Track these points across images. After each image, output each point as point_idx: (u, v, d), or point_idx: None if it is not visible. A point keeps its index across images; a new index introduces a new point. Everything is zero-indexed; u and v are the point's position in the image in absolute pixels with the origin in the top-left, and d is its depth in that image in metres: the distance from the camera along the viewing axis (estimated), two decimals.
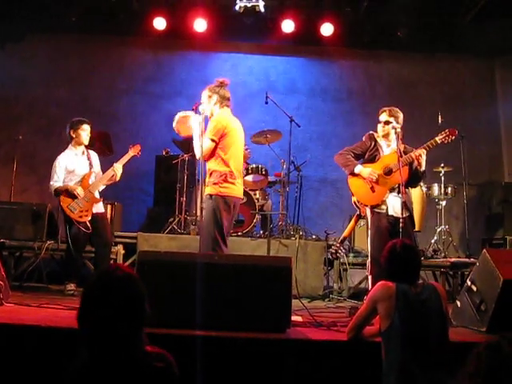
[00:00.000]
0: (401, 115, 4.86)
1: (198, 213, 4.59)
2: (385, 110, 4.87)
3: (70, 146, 5.67)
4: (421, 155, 4.63)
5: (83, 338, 1.81)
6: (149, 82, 9.03)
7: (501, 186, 8.00)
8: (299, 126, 7.31)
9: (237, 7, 7.87)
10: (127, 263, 6.28)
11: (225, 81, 4.77)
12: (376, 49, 8.83)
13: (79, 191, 5.43)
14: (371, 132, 4.99)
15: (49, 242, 6.15)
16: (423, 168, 4.70)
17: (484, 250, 4.18)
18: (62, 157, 5.61)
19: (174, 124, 4.80)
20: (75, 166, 5.59)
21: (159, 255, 4.00)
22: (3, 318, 3.67)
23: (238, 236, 6.45)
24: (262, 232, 6.80)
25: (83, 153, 5.69)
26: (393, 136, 4.81)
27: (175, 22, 8.37)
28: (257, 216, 6.74)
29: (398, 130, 4.72)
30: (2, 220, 6.33)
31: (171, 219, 6.92)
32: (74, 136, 5.60)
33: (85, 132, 5.62)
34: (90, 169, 5.65)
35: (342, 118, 8.92)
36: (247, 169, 6.93)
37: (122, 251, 6.34)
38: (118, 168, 5.59)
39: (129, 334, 1.80)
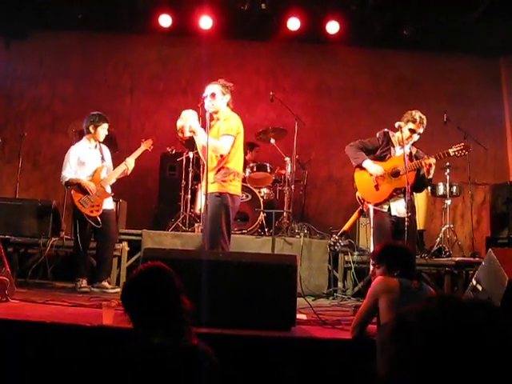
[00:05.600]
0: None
1: (203, 210, 4.63)
2: (424, 123, 4.77)
3: (84, 138, 5.72)
4: (431, 165, 4.60)
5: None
6: (154, 79, 9.02)
7: (506, 185, 7.95)
8: (304, 124, 7.30)
9: (242, 5, 7.86)
10: (132, 260, 6.30)
11: (232, 86, 4.85)
12: (381, 47, 8.79)
13: (92, 187, 5.45)
14: (386, 130, 4.92)
15: (54, 239, 6.16)
16: (430, 176, 4.68)
17: (490, 249, 4.15)
18: (74, 148, 5.66)
19: (179, 122, 4.76)
20: (87, 158, 5.61)
21: (164, 252, 4.01)
22: (8, 314, 3.68)
23: (242, 234, 6.44)
24: (266, 230, 6.79)
25: (96, 146, 5.73)
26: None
27: (180, 20, 8.34)
28: (261, 214, 6.73)
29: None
30: (7, 216, 6.34)
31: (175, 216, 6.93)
32: (92, 131, 5.63)
33: (103, 130, 5.69)
34: (102, 162, 5.69)
35: (347, 117, 8.90)
36: (252, 166, 6.92)
37: (127, 248, 6.34)
38: (130, 162, 5.69)
39: (170, 322, 2.13)
